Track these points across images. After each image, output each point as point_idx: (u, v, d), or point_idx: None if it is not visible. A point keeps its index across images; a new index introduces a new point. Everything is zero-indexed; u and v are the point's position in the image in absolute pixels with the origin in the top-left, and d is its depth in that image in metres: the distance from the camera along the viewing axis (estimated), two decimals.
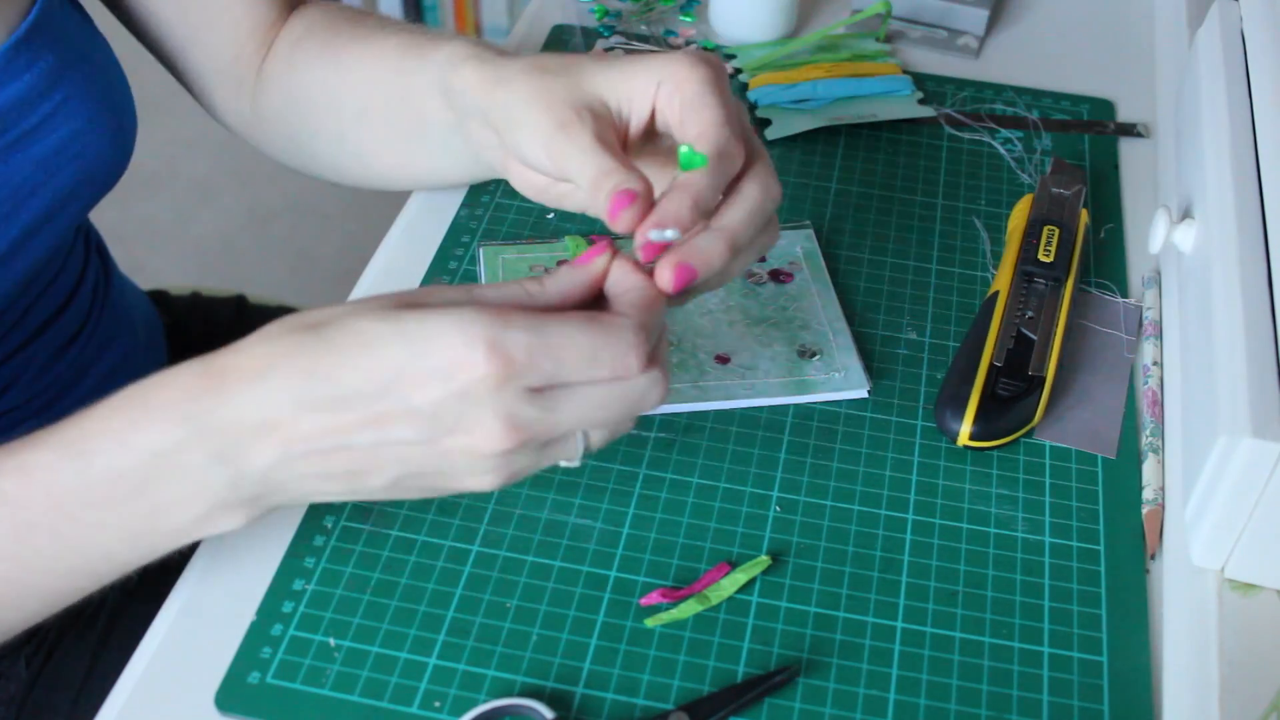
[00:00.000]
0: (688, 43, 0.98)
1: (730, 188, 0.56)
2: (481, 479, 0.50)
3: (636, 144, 0.60)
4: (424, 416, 0.48)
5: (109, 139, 0.70)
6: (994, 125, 0.92)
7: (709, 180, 0.53)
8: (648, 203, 0.53)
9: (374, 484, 0.51)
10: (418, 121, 0.67)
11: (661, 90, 0.57)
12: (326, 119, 0.72)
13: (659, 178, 0.59)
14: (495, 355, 0.46)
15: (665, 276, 0.52)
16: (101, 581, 0.55)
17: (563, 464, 0.53)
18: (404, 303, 0.48)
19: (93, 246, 0.82)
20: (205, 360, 0.50)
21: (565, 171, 0.56)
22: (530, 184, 0.63)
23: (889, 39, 1.01)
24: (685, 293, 0.54)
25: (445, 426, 0.48)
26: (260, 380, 0.48)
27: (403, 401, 0.47)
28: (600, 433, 0.52)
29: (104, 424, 0.51)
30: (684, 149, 0.55)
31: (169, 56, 0.76)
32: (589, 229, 0.80)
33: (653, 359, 0.50)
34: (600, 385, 0.49)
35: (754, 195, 0.55)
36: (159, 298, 0.97)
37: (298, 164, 0.78)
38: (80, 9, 0.70)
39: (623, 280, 0.52)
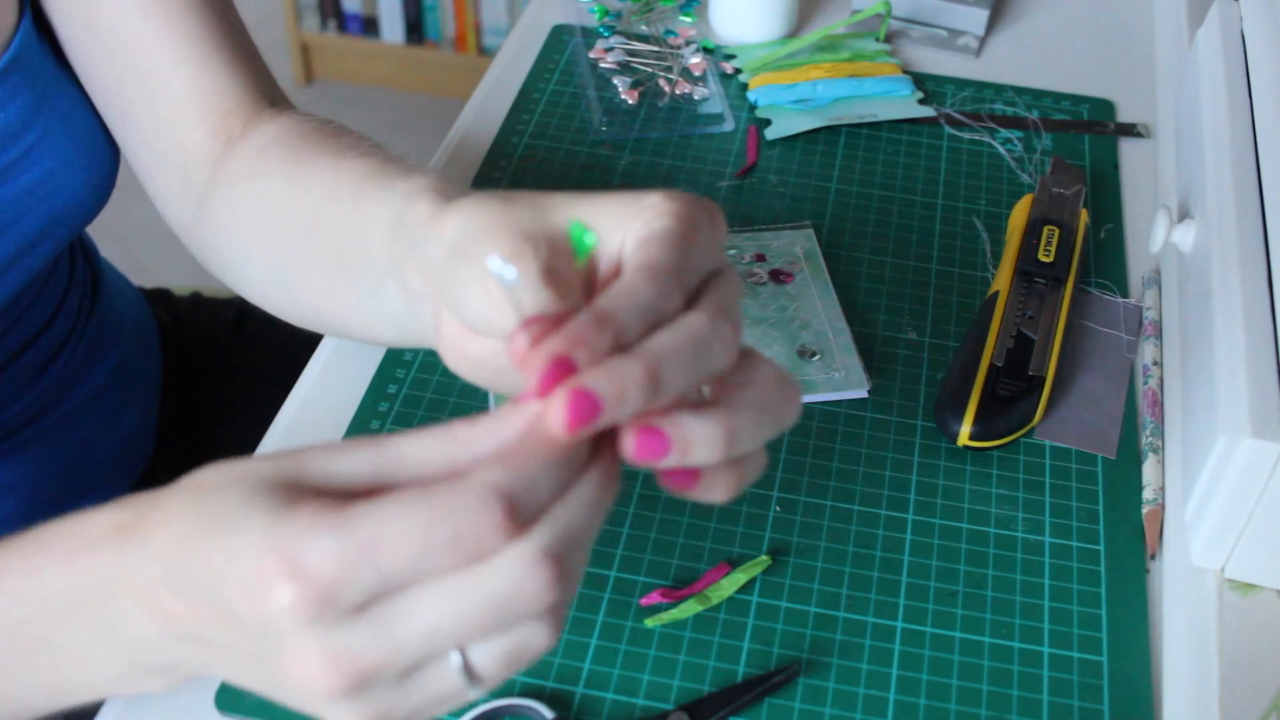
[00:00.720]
0: (687, 43, 0.98)
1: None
2: (343, 718, 0.39)
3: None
4: (249, 631, 0.38)
5: (83, 179, 0.69)
6: (994, 125, 0.92)
7: (622, 302, 0.39)
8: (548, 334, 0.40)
9: (250, 680, 0.41)
10: (360, 254, 0.56)
11: (635, 223, 0.44)
12: (269, 235, 0.62)
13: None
14: (296, 579, 0.36)
15: (554, 410, 0.37)
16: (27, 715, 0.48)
17: (471, 695, 0.39)
18: (291, 473, 0.39)
19: (79, 264, 0.81)
20: (122, 508, 0.43)
21: (509, 314, 0.43)
22: (464, 351, 0.49)
23: (889, 39, 1.01)
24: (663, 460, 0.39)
25: (270, 651, 0.38)
26: (143, 545, 0.41)
27: (229, 608, 0.38)
28: (484, 648, 0.38)
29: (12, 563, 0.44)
30: (574, 223, 0.44)
31: (112, 129, 0.69)
32: None
33: (526, 525, 0.36)
34: (449, 577, 0.36)
35: (695, 324, 0.40)
36: (161, 297, 0.96)
37: (230, 280, 0.68)
38: (56, 47, 0.68)
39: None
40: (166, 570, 0.40)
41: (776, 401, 0.42)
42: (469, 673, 0.38)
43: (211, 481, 0.40)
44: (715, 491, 0.41)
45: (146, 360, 0.88)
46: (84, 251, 0.83)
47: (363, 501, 0.37)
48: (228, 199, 0.64)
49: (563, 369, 0.37)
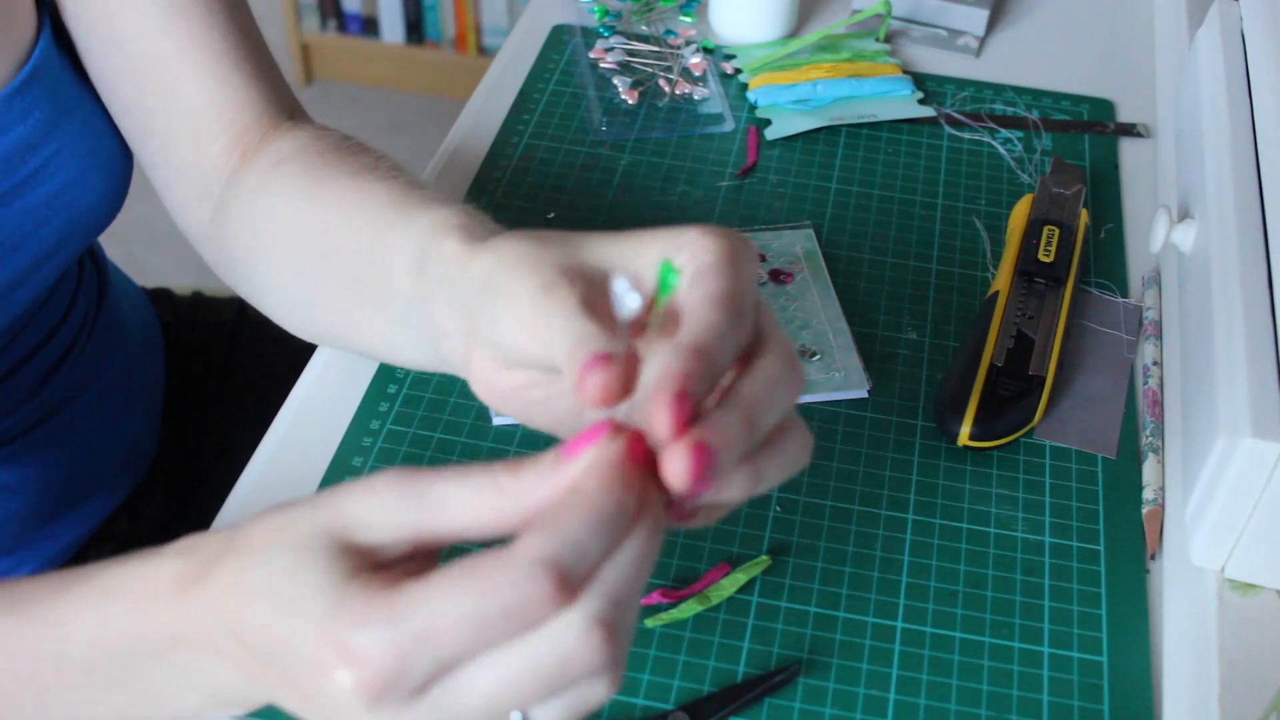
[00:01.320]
0: (687, 43, 0.98)
1: (744, 367, 0.43)
2: None
3: (648, 326, 0.45)
4: (318, 703, 0.40)
5: (99, 189, 0.69)
6: (994, 125, 0.92)
7: (712, 335, 0.40)
8: (629, 372, 0.41)
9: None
10: (382, 283, 0.56)
11: (679, 258, 0.44)
12: (286, 250, 0.62)
13: None
14: (355, 667, 0.37)
15: (677, 466, 0.37)
16: None
17: None
18: (335, 529, 0.40)
19: (87, 267, 0.81)
20: (182, 555, 0.44)
21: (546, 345, 0.44)
22: (496, 385, 0.50)
23: (889, 39, 1.01)
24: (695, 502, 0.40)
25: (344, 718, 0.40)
26: (208, 611, 0.42)
27: (296, 681, 0.40)
28: (544, 707, 0.39)
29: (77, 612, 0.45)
30: (665, 261, 0.44)
31: (129, 140, 0.69)
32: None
33: (576, 590, 0.37)
34: (504, 650, 0.37)
35: (774, 369, 0.42)
36: (161, 296, 0.97)
37: (246, 294, 0.68)
38: (74, 58, 0.68)
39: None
40: (234, 634, 0.41)
41: (797, 449, 0.43)
42: None
43: (259, 540, 0.41)
44: (701, 517, 0.43)
45: (150, 361, 0.88)
46: (91, 255, 0.83)
47: (413, 584, 0.37)
48: (243, 212, 0.65)
49: (684, 405, 0.38)
